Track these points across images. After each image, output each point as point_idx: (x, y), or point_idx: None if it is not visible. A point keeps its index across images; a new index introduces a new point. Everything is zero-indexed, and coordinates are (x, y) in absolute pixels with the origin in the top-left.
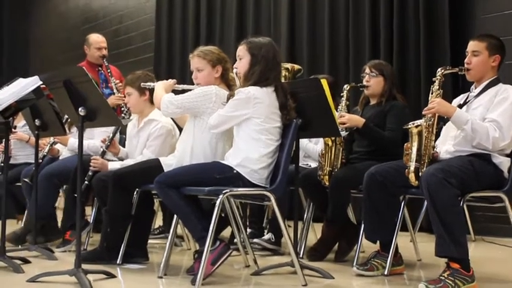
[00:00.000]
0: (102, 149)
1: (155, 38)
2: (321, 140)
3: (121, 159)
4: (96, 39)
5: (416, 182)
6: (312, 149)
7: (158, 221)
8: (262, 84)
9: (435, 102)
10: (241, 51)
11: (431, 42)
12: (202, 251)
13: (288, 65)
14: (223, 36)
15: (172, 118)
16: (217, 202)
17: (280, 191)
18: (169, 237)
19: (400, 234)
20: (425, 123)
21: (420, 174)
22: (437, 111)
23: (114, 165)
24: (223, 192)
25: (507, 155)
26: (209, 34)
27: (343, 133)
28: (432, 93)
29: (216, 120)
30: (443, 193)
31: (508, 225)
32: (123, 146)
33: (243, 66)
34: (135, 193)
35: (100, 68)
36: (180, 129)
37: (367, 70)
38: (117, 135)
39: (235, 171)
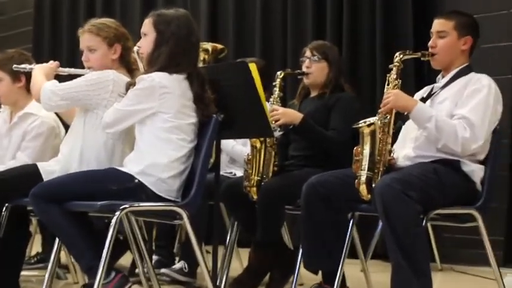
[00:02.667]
0: None
1: (35, 7)
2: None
3: None
4: None
5: (369, 195)
6: (240, 152)
7: (36, 247)
8: (170, 70)
9: (391, 95)
10: (146, 26)
11: (389, 19)
12: (92, 285)
13: (208, 46)
14: (126, 7)
15: (56, 112)
16: (113, 221)
17: (195, 207)
18: (50, 267)
19: (348, 262)
20: (379, 122)
21: (373, 185)
22: (394, 106)
23: None
24: (121, 207)
25: (480, 162)
26: (107, 3)
27: (276, 133)
28: (388, 84)
29: (111, 117)
30: (401, 210)
31: (482, 251)
32: None
33: (147, 45)
34: (3, 209)
35: None
36: (66, 127)
37: (308, 53)
38: None
39: (136, 181)
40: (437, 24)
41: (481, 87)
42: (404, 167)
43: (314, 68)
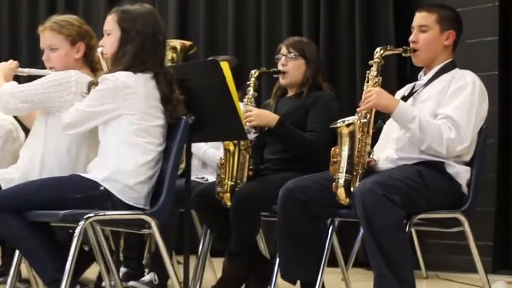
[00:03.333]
0: None
1: None
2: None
3: None
4: None
5: (347, 199)
6: (212, 156)
7: None
8: (135, 69)
9: (372, 93)
10: (110, 23)
11: (368, 13)
12: None
13: (177, 43)
14: (89, 2)
15: (14, 116)
16: (77, 231)
17: (165, 215)
18: (9, 281)
19: (328, 271)
20: (358, 122)
21: (352, 189)
22: (375, 105)
23: None
24: (85, 217)
25: (466, 163)
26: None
27: (251, 135)
28: (368, 82)
29: (73, 118)
30: (383, 215)
31: (469, 257)
32: None
33: (111, 44)
34: None
35: None
36: (26, 131)
37: (284, 50)
38: None
39: (102, 188)
40: (419, 17)
41: (465, 84)
42: (386, 169)
43: (290, 66)
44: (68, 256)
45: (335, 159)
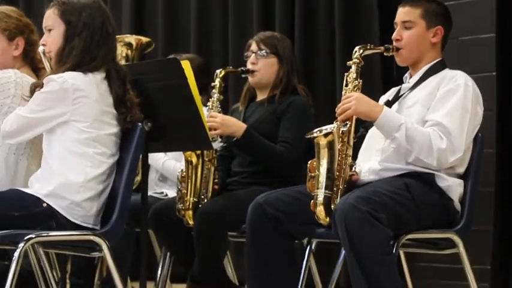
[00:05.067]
0: None
1: None
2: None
3: None
4: None
5: (328, 219)
6: (173, 168)
7: None
8: (85, 68)
9: (352, 98)
10: (50, 18)
11: (350, 5)
12: None
13: (132, 39)
14: None
15: None
16: (16, 254)
17: (118, 235)
18: None
19: None
20: (337, 130)
21: (333, 207)
22: (355, 113)
23: None
24: (26, 238)
25: (459, 176)
26: None
27: (216, 144)
28: (347, 85)
29: (13, 125)
30: (368, 235)
31: (464, 282)
32: None
33: (54, 41)
34: None
35: None
36: None
37: (254, 47)
38: None
39: (45, 205)
40: (402, 13)
41: (456, 86)
42: (369, 182)
43: (261, 65)
44: (5, 283)
45: (312, 174)
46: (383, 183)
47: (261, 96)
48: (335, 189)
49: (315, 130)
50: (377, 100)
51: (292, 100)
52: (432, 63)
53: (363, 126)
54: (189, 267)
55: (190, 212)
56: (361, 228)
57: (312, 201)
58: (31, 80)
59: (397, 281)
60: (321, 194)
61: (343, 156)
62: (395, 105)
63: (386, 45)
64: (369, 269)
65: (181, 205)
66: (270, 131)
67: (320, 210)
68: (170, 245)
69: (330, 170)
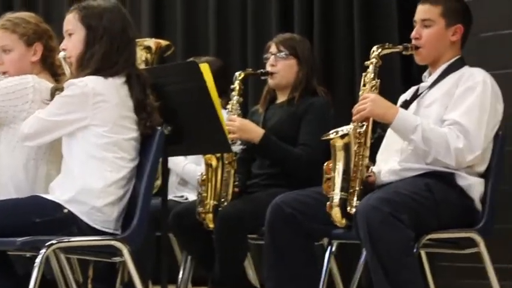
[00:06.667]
0: None
1: None
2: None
3: None
4: None
5: (344, 221)
6: (193, 172)
7: None
8: (106, 73)
9: (368, 100)
10: (71, 22)
11: (368, 6)
12: None
13: (151, 42)
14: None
15: None
16: (38, 260)
17: (139, 240)
18: None
19: None
20: (354, 132)
21: (349, 209)
22: (371, 114)
23: None
24: (47, 244)
25: (480, 175)
26: None
27: (236, 147)
28: (365, 85)
29: (32, 127)
30: (390, 236)
31: (486, 281)
32: None
33: (75, 46)
34: None
35: None
36: None
37: (273, 48)
38: None
39: (66, 211)
40: (422, 11)
41: (474, 84)
42: (390, 182)
43: (280, 67)
44: None
45: (328, 176)
46: (404, 183)
47: (280, 98)
48: (351, 190)
49: (331, 131)
50: (397, 99)
51: (312, 102)
52: (451, 62)
53: (380, 126)
54: (210, 270)
55: (211, 215)
56: (383, 230)
57: (328, 202)
58: (50, 85)
59: (418, 281)
60: (336, 196)
61: (360, 157)
62: (413, 105)
63: (405, 44)
64: (392, 271)
65: (202, 208)
66: (291, 133)
67: (336, 212)
68: (191, 248)
69: (346, 172)
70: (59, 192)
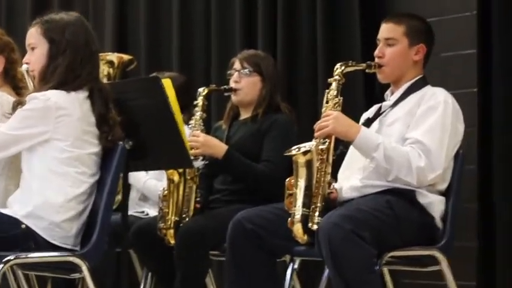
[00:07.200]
0: None
1: None
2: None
3: None
4: None
5: (305, 237)
6: (154, 187)
7: None
8: (69, 86)
9: (331, 117)
10: (33, 36)
11: (332, 23)
12: None
13: (113, 57)
14: (12, 10)
15: None
16: None
17: (98, 256)
18: None
19: None
20: (316, 148)
21: (310, 225)
22: (333, 131)
23: None
24: (4, 260)
25: (441, 193)
26: None
27: (198, 162)
28: (328, 103)
29: None
30: (352, 254)
31: None
32: None
33: (38, 59)
34: None
35: None
36: None
37: (237, 65)
38: None
39: (23, 226)
40: (385, 29)
41: (436, 104)
42: (351, 199)
43: (244, 83)
44: None
45: (290, 192)
46: (365, 200)
47: (244, 114)
48: (313, 206)
49: (294, 148)
50: (359, 117)
51: (276, 118)
52: (413, 81)
53: (342, 144)
54: (171, 287)
55: (172, 231)
56: (345, 247)
57: (290, 219)
58: (11, 98)
59: None
60: (298, 212)
61: (322, 173)
62: (375, 123)
63: (368, 62)
64: None
65: (163, 224)
66: (254, 149)
67: (297, 228)
68: (151, 264)
69: (308, 188)
70: (17, 207)
